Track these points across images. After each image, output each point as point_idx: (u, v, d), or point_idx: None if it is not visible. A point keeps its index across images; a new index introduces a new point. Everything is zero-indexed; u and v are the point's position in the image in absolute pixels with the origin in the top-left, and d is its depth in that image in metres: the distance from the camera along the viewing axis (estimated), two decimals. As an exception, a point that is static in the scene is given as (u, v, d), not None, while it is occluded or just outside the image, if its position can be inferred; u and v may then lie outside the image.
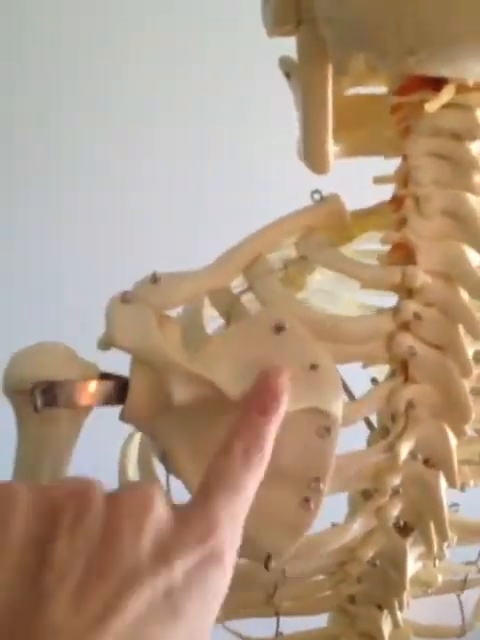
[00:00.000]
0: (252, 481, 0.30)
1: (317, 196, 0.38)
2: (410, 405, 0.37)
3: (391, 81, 0.36)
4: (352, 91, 0.40)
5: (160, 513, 0.26)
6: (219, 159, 0.92)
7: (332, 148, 0.38)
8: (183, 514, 0.27)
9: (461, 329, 0.36)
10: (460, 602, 0.48)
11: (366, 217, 0.39)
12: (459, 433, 0.37)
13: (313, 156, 0.37)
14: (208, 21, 0.90)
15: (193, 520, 0.27)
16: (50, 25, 0.92)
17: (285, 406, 0.32)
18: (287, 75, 0.36)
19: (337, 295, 0.49)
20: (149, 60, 0.92)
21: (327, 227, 0.38)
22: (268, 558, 0.36)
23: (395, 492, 0.38)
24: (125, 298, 0.33)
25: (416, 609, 0.48)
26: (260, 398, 0.32)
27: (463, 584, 0.47)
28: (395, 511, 0.39)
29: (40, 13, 0.91)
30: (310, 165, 0.37)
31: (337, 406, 0.35)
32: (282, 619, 0.46)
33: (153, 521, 0.26)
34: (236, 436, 0.31)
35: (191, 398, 0.34)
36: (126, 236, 0.93)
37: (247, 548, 0.36)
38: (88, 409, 0.34)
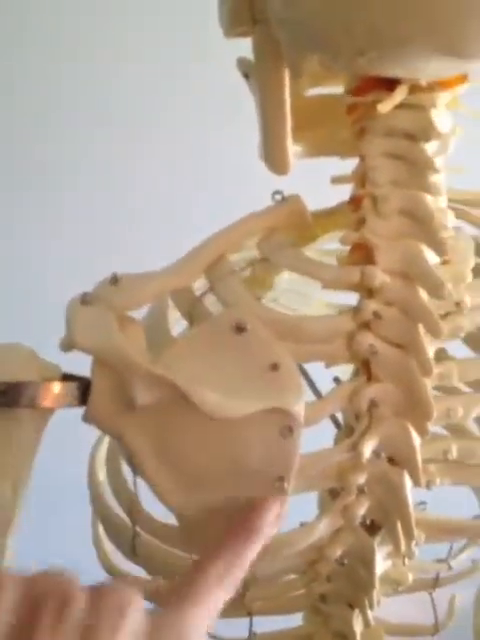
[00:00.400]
0: (223, 598, 0.32)
1: (278, 197, 0.38)
2: (373, 404, 0.37)
3: (347, 82, 0.37)
4: (313, 91, 0.40)
5: (136, 618, 0.29)
6: (218, 160, 0.93)
7: (293, 148, 0.38)
8: (156, 622, 0.29)
9: (421, 328, 0.37)
10: (432, 600, 0.48)
11: (328, 217, 0.40)
12: (422, 431, 0.38)
13: (272, 157, 0.37)
14: (208, 21, 0.91)
15: (164, 629, 0.30)
16: (50, 25, 0.93)
17: (268, 537, 0.34)
18: (245, 76, 0.37)
19: (307, 295, 0.49)
20: (149, 60, 0.93)
21: (289, 227, 0.38)
22: (234, 556, 0.36)
23: (361, 491, 0.39)
24: (85, 299, 0.34)
25: (394, 607, 0.48)
26: (245, 529, 0.34)
27: (435, 582, 0.47)
28: (361, 510, 0.39)
29: (40, 13, 0.92)
30: (270, 166, 0.38)
31: (299, 406, 0.35)
32: (256, 619, 0.46)
33: (129, 626, 0.28)
34: (215, 557, 0.33)
35: (154, 399, 0.34)
36: (122, 236, 0.94)
37: (213, 547, 0.37)
38: (51, 411, 0.34)
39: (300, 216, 0.38)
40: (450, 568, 0.47)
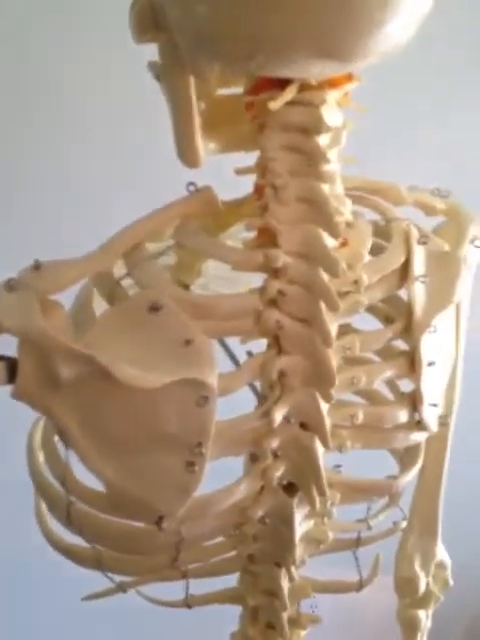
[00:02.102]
0: None
1: (192, 188, 0.42)
2: (282, 374, 0.41)
3: (245, 82, 0.40)
4: (224, 92, 0.44)
5: None
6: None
7: (207, 145, 0.42)
8: None
9: (322, 304, 0.40)
10: (356, 558, 0.52)
11: (239, 206, 0.43)
12: (327, 397, 0.41)
13: (183, 153, 0.40)
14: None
15: None
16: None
17: None
18: (157, 78, 0.40)
19: (234, 280, 0.52)
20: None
21: (203, 215, 0.42)
22: (160, 519, 0.40)
23: (276, 454, 0.42)
24: (9, 285, 0.37)
25: (324, 568, 0.52)
26: None
27: (357, 542, 0.51)
28: (278, 472, 0.43)
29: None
30: (183, 161, 0.41)
31: (212, 377, 0.38)
32: (193, 583, 0.50)
33: None
34: None
35: (77, 375, 0.37)
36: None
37: (140, 511, 0.40)
38: (-19, 388, 0.37)
39: (212, 205, 0.41)
40: (369, 528, 0.51)
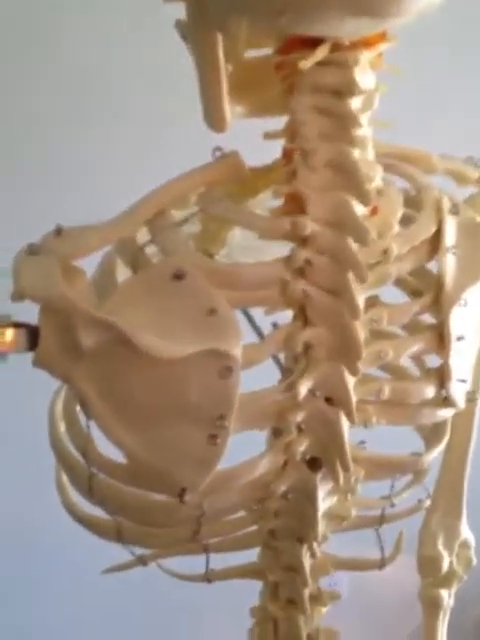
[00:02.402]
0: None
1: (218, 153, 0.40)
2: (308, 346, 0.40)
3: (275, 42, 0.39)
4: (253, 54, 0.42)
5: None
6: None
7: (235, 109, 0.40)
8: None
9: (351, 275, 0.39)
10: (379, 536, 0.51)
11: (267, 173, 0.42)
12: (354, 371, 0.40)
13: (210, 116, 0.39)
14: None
15: None
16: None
17: None
18: (184, 37, 0.39)
19: (260, 249, 0.51)
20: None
21: (229, 181, 0.41)
22: (182, 492, 0.39)
23: (300, 429, 0.41)
24: (31, 250, 0.36)
25: (347, 545, 0.51)
26: None
27: (381, 519, 0.50)
28: (302, 446, 0.42)
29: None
30: (209, 124, 0.40)
31: (237, 348, 0.37)
32: (214, 557, 0.49)
33: None
34: None
35: (98, 343, 0.36)
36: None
37: (162, 483, 0.40)
38: (2, 355, 0.37)
39: (238, 171, 0.40)
40: (393, 505, 0.50)
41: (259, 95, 0.42)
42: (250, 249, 0.50)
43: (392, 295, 0.45)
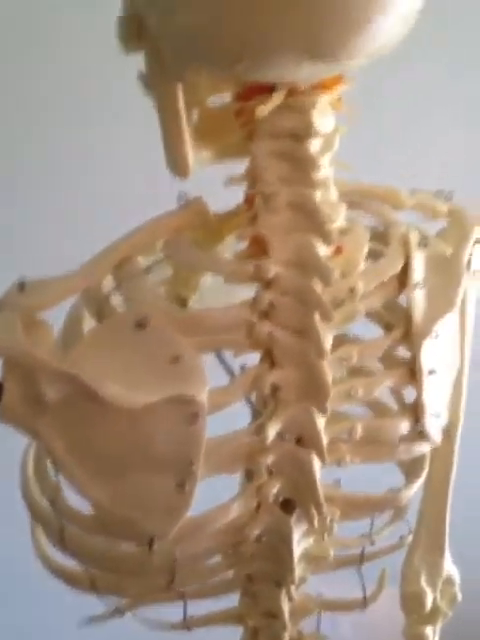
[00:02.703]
0: None
1: (182, 201, 0.40)
2: (275, 388, 0.40)
3: (235, 88, 0.39)
4: (216, 100, 0.42)
5: None
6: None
7: (202, 154, 0.40)
8: None
9: (317, 315, 0.39)
10: (361, 575, 0.50)
11: (232, 218, 0.42)
12: (323, 410, 0.40)
13: (172, 162, 0.39)
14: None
15: None
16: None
17: None
18: (146, 88, 0.39)
19: (233, 293, 0.51)
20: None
21: (193, 227, 0.41)
22: (151, 541, 0.38)
23: (271, 471, 0.41)
24: None
25: (330, 584, 0.50)
26: None
27: (361, 558, 0.50)
28: (274, 489, 0.41)
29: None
30: (172, 171, 0.40)
31: (202, 393, 0.37)
32: (193, 604, 0.48)
33: None
34: None
35: (62, 396, 0.36)
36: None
37: (131, 533, 0.39)
38: (-36, 410, 0.36)
39: (202, 216, 0.40)
40: (373, 543, 0.49)
41: (225, 140, 0.42)
42: (221, 292, 0.50)
43: (368, 329, 0.45)
